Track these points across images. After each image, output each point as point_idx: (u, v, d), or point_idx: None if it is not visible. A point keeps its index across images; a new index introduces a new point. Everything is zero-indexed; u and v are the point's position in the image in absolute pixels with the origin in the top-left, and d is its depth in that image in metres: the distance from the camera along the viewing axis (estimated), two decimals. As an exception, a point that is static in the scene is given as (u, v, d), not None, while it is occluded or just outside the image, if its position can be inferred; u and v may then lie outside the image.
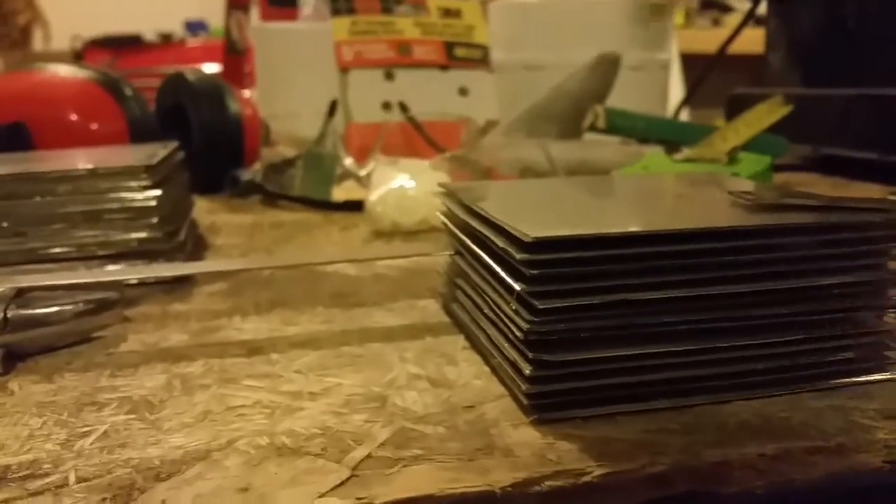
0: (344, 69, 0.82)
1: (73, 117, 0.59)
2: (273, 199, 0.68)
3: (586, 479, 0.22)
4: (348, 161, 0.65)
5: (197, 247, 0.51)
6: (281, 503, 0.21)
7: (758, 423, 0.25)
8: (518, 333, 0.26)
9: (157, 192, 0.42)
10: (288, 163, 0.73)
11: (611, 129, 0.75)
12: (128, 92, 0.62)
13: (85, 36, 2.54)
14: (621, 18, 0.96)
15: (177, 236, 0.43)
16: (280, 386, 0.29)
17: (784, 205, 0.29)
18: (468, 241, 0.32)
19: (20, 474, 0.23)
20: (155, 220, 0.42)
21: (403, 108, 0.79)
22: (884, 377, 0.28)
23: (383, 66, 0.83)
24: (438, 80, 0.85)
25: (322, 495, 0.21)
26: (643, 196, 0.35)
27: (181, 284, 0.42)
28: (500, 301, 0.28)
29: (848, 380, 0.28)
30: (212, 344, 0.33)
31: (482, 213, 0.29)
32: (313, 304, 0.38)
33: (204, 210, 0.64)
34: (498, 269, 0.27)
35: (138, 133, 0.61)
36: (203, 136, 0.68)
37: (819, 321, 0.27)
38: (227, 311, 0.38)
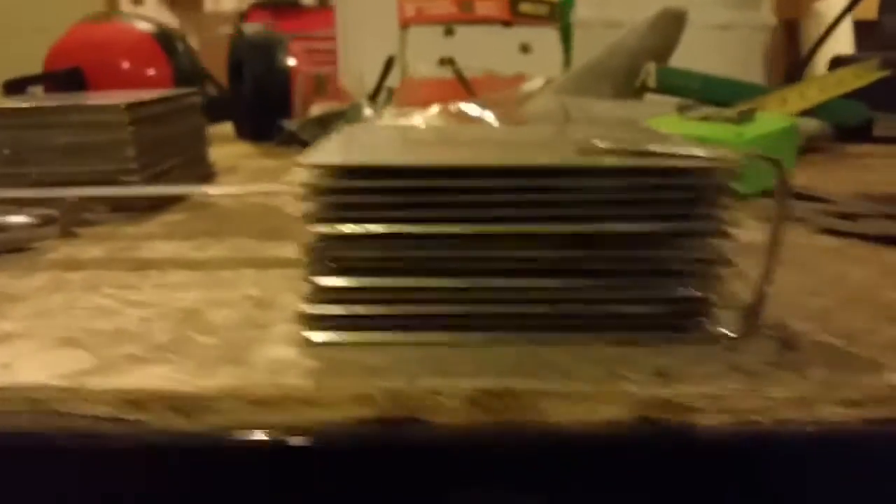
0: (404, 25, 0.83)
1: (125, 65, 0.65)
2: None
3: (292, 391, 0.23)
4: (367, 112, 0.66)
5: (199, 182, 0.55)
6: (21, 376, 0.24)
7: (509, 362, 0.24)
8: (303, 255, 0.26)
9: (133, 128, 0.46)
10: (335, 116, 0.76)
11: (662, 89, 0.71)
12: (179, 47, 0.68)
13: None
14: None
15: (151, 170, 0.47)
16: (129, 296, 0.31)
17: (610, 150, 0.27)
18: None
19: None
20: (131, 153, 0.46)
21: (452, 62, 0.79)
22: (680, 338, 0.26)
23: (444, 23, 0.83)
24: (500, 37, 0.84)
25: (53, 377, 0.24)
26: (496, 140, 0.33)
27: (147, 213, 0.46)
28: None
29: (646, 335, 0.26)
30: (115, 259, 0.37)
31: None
32: (240, 236, 0.41)
33: (240, 154, 0.69)
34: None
35: (183, 81, 0.66)
36: (252, 86, 0.73)
37: (612, 270, 0.26)
38: (159, 235, 0.41)
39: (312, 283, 0.26)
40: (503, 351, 0.25)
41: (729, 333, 0.26)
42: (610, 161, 0.25)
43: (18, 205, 0.40)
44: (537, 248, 0.25)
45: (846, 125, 0.72)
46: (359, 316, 0.26)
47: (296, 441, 0.23)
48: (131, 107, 0.46)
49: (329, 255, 0.26)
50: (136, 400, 0.23)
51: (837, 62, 0.86)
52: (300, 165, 0.25)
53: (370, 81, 0.84)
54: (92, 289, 0.32)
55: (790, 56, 1.01)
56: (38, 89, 0.67)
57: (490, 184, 0.25)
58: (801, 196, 0.50)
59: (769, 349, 0.26)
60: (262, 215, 0.46)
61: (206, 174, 0.58)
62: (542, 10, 0.85)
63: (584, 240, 0.26)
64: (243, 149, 0.72)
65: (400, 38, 0.82)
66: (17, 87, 0.67)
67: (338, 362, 0.24)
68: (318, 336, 0.26)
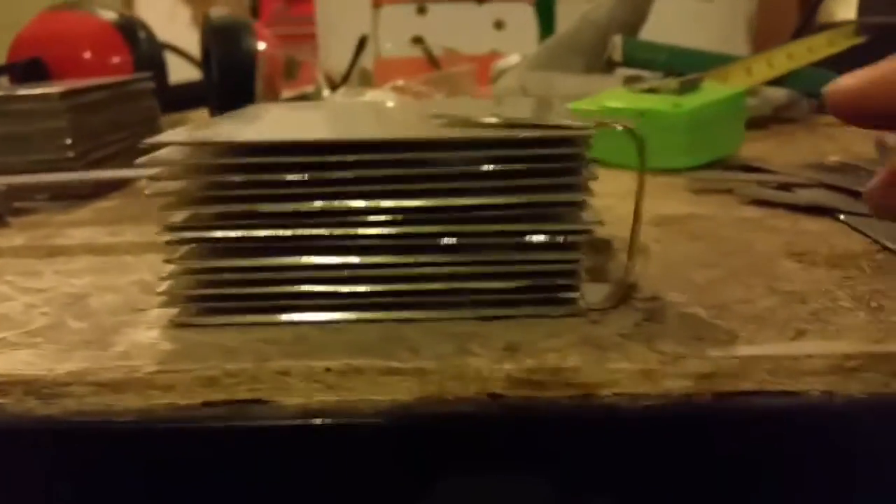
0: (377, 5, 0.83)
1: (87, 55, 0.65)
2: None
3: (138, 374, 0.23)
4: (325, 93, 0.66)
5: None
6: None
7: (367, 341, 0.24)
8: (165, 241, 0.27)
9: (70, 115, 0.47)
10: (301, 99, 0.76)
11: (629, 62, 0.70)
12: (141, 35, 0.68)
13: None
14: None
15: (90, 156, 0.48)
16: (26, 283, 0.32)
17: (472, 123, 0.27)
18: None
19: None
20: (67, 141, 0.47)
21: (421, 41, 0.78)
22: (545, 311, 0.26)
23: (416, 1, 0.83)
24: (473, 14, 0.83)
25: (-88, 365, 0.24)
26: (383, 113, 0.33)
27: (85, 200, 0.46)
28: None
29: (510, 310, 0.26)
30: (31, 247, 0.37)
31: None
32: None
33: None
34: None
35: (144, 68, 0.66)
36: (218, 70, 0.73)
37: (475, 245, 0.25)
38: (84, 222, 0.41)
39: (176, 264, 0.26)
40: (365, 330, 0.25)
41: (594, 307, 0.26)
42: (465, 134, 0.25)
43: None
44: (396, 224, 0.25)
45: (816, 95, 0.70)
46: (224, 296, 0.26)
47: (146, 424, 0.23)
48: (66, 94, 0.47)
49: (190, 235, 0.26)
50: (-7, 384, 0.23)
51: (823, 28, 0.84)
52: (146, 146, 0.25)
53: (345, 63, 0.84)
54: (-5, 276, 0.33)
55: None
56: (3, 80, 0.67)
57: (350, 159, 0.25)
58: (747, 168, 0.49)
59: (629, 321, 0.25)
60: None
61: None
62: (514, -16, 0.84)
63: (441, 215, 0.25)
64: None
65: (372, 18, 0.82)
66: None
67: (195, 344, 0.25)
68: (183, 318, 0.26)
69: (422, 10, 0.82)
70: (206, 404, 0.23)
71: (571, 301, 0.26)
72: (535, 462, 0.23)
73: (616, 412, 0.23)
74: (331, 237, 0.26)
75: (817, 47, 0.70)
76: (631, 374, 0.23)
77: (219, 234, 0.26)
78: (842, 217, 0.37)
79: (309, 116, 0.34)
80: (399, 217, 0.25)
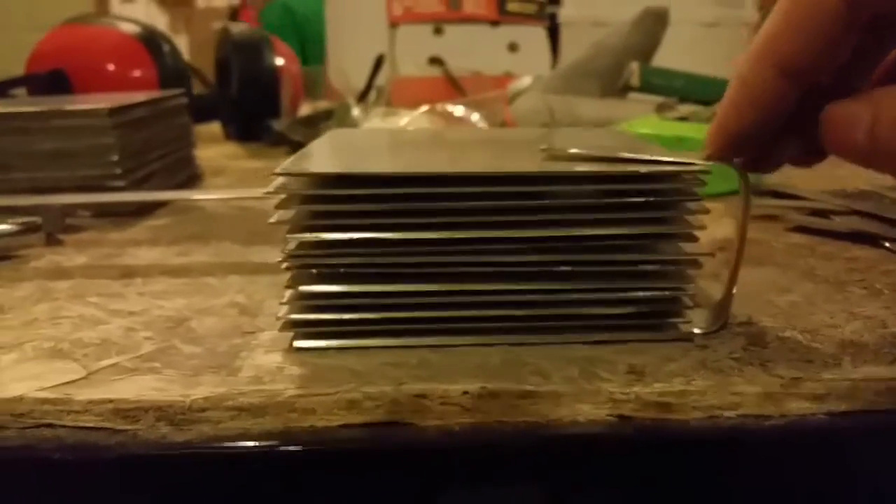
0: (393, 24, 0.84)
1: (110, 67, 0.65)
2: (298, 148, 0.72)
3: (279, 398, 0.24)
4: (355, 112, 0.67)
5: (184, 186, 0.56)
6: (5, 391, 0.24)
7: (493, 365, 0.25)
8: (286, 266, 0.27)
9: (118, 132, 0.47)
10: (324, 115, 0.76)
11: (646, 88, 0.72)
12: (165, 48, 0.68)
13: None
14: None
15: (135, 174, 0.48)
16: (112, 304, 0.32)
17: (581, 157, 0.27)
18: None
19: None
20: (114, 157, 0.47)
21: (440, 62, 0.79)
22: (654, 336, 0.27)
23: (432, 21, 0.84)
24: (488, 36, 0.84)
25: (42, 389, 0.24)
26: (478, 145, 0.34)
27: (132, 217, 0.46)
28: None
29: (620, 335, 0.27)
30: (100, 266, 0.37)
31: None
32: (223, 240, 0.41)
33: (227, 155, 0.69)
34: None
35: (169, 82, 0.66)
36: (239, 86, 0.73)
37: (587, 273, 0.26)
38: (144, 241, 0.41)
39: (295, 290, 0.27)
40: (485, 353, 0.26)
41: (699, 331, 0.27)
42: (582, 168, 0.26)
43: (1, 212, 0.40)
44: (515, 253, 0.26)
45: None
46: (342, 321, 0.27)
47: (285, 448, 0.23)
48: (114, 111, 0.47)
49: (311, 262, 0.26)
50: (126, 410, 0.23)
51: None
52: (278, 175, 0.26)
53: (359, 80, 0.85)
54: (77, 297, 0.33)
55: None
56: (21, 91, 0.67)
57: (469, 190, 0.26)
58: (777, 194, 0.51)
59: (736, 345, 0.26)
60: (246, 219, 0.46)
61: (192, 176, 0.59)
62: (530, 8, 0.85)
63: (558, 244, 0.26)
64: (230, 149, 0.72)
65: (389, 37, 0.83)
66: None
67: (323, 368, 0.25)
68: (302, 342, 0.27)
69: (438, 31, 0.83)
70: (344, 426, 0.24)
71: (679, 326, 0.27)
72: (663, 481, 0.24)
73: (740, 433, 0.24)
74: (448, 264, 0.26)
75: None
76: (753, 396, 0.24)
77: (344, 260, 0.26)
78: (887, 245, 0.39)
79: (409, 143, 0.35)
80: (520, 246, 0.26)
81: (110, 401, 0.24)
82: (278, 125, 0.73)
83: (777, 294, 0.32)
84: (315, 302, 0.27)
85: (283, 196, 0.26)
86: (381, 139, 0.38)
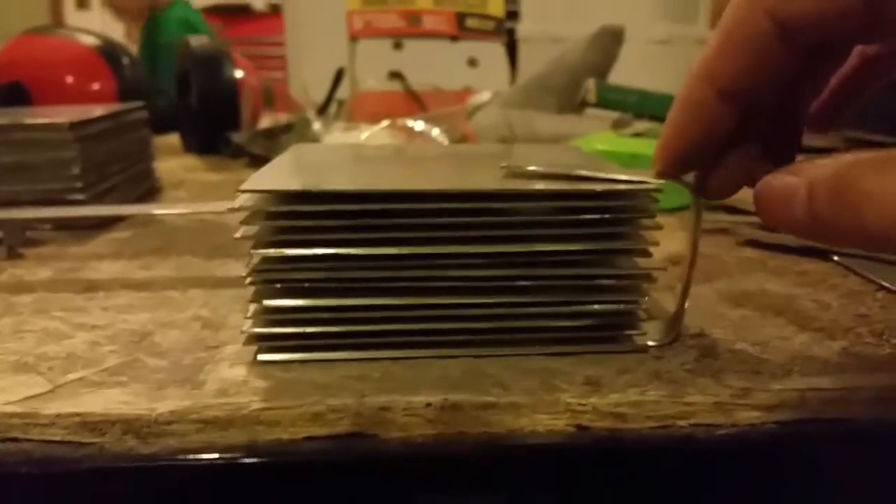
0: (353, 38, 0.84)
1: (69, 80, 0.65)
2: (258, 161, 0.72)
3: (244, 411, 0.24)
4: (316, 126, 0.67)
5: (144, 199, 0.55)
6: (-29, 407, 0.24)
7: (454, 376, 0.26)
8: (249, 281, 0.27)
9: (79, 145, 0.46)
10: (284, 128, 0.76)
11: (602, 104, 0.74)
12: (124, 60, 0.68)
13: (197, 5, 2.70)
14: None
15: (97, 187, 0.48)
16: (76, 318, 0.32)
17: (539, 174, 0.28)
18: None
19: None
20: (76, 171, 0.46)
21: (400, 77, 0.80)
22: (610, 348, 0.28)
23: (392, 36, 0.85)
24: (448, 51, 0.86)
25: (9, 403, 0.24)
26: (439, 161, 0.35)
27: (92, 230, 0.46)
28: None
29: (577, 347, 0.28)
30: (61, 280, 0.37)
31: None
32: (185, 255, 0.41)
33: (186, 168, 0.69)
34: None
35: (128, 94, 0.66)
36: (198, 98, 0.73)
37: (545, 287, 0.27)
38: (105, 255, 0.41)
39: (259, 304, 0.27)
40: (446, 365, 0.27)
41: (653, 343, 0.28)
42: (541, 186, 0.27)
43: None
44: (475, 267, 0.27)
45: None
46: (306, 335, 0.27)
47: (250, 460, 0.24)
48: (75, 125, 0.46)
49: (275, 276, 0.27)
50: (93, 423, 0.24)
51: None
52: (242, 191, 0.26)
53: (318, 92, 0.86)
54: (41, 312, 0.33)
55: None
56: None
57: (430, 207, 0.26)
58: (729, 209, 0.53)
59: (689, 357, 0.28)
60: (207, 232, 0.46)
61: (152, 188, 0.58)
62: (489, 25, 0.87)
63: (517, 259, 0.27)
64: (190, 161, 0.72)
65: (349, 51, 0.83)
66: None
67: (287, 381, 0.26)
68: (266, 356, 0.27)
69: (398, 45, 0.84)
70: (309, 439, 0.24)
71: (634, 338, 0.28)
72: (619, 488, 0.25)
73: (692, 442, 0.25)
74: (410, 279, 0.27)
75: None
76: (705, 406, 0.25)
77: (308, 275, 0.27)
78: (836, 258, 0.41)
79: (371, 159, 0.36)
80: (480, 261, 0.27)
81: (77, 414, 0.24)
82: (238, 137, 0.73)
83: (728, 307, 0.33)
84: (279, 316, 0.27)
85: (246, 212, 0.27)
86: (343, 154, 0.38)
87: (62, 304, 0.34)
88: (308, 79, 0.93)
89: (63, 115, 0.49)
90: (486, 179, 0.29)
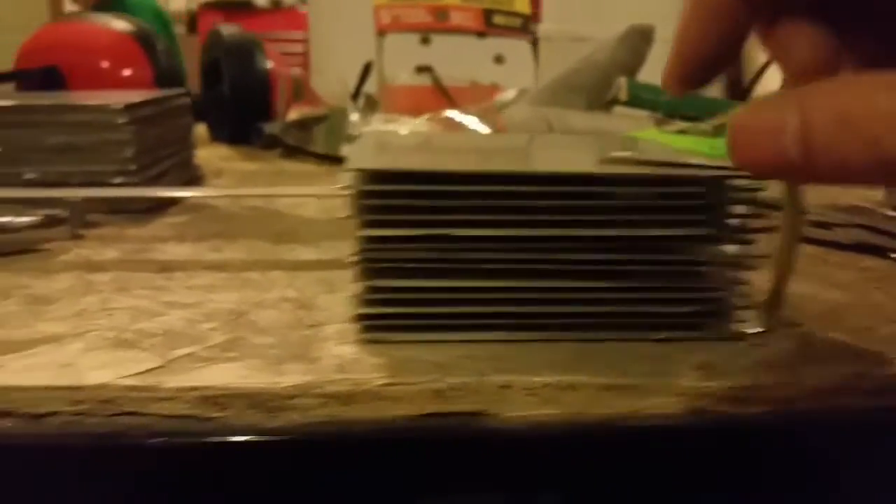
0: (381, 33, 0.84)
1: (104, 65, 0.64)
2: (292, 152, 0.71)
3: (366, 386, 0.24)
4: (354, 117, 0.67)
5: (190, 185, 0.55)
6: (89, 379, 0.24)
7: (565, 359, 0.26)
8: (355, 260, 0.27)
9: (133, 128, 0.46)
10: (317, 119, 0.76)
11: (633, 102, 0.74)
12: (159, 46, 0.67)
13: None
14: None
15: (148, 171, 0.47)
16: (162, 297, 0.31)
17: (636, 160, 0.29)
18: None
19: None
20: (129, 154, 0.46)
21: (429, 70, 0.80)
22: (710, 335, 0.28)
23: (419, 31, 0.85)
24: (474, 47, 0.86)
25: (124, 376, 0.24)
26: (515, 149, 0.35)
27: (146, 214, 0.46)
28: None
29: (681, 333, 0.28)
30: (134, 261, 0.37)
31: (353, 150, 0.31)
32: (251, 238, 0.41)
33: (221, 157, 0.68)
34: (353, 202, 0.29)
35: (164, 81, 0.65)
36: (231, 88, 0.72)
37: (649, 272, 0.27)
38: (169, 238, 0.41)
39: (366, 283, 0.27)
40: (553, 349, 0.27)
41: (754, 330, 0.28)
42: (643, 171, 0.27)
43: (18, 205, 0.39)
44: (579, 251, 0.27)
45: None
46: (412, 315, 0.27)
47: (372, 435, 0.24)
48: (130, 107, 0.46)
49: (382, 256, 0.27)
50: (214, 398, 0.23)
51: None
52: (352, 170, 0.26)
53: (343, 86, 0.85)
54: (122, 290, 0.32)
55: (732, 73, 1.05)
56: (8, 87, 0.65)
57: (536, 189, 0.27)
58: (777, 207, 0.53)
59: (791, 344, 0.28)
60: (264, 219, 0.46)
61: (194, 177, 0.58)
62: (515, 21, 0.87)
63: (619, 244, 0.27)
64: (221, 151, 0.71)
65: (377, 46, 0.83)
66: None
67: (402, 359, 0.26)
68: (373, 335, 0.27)
69: (425, 41, 0.84)
70: (430, 415, 0.24)
71: (734, 326, 0.28)
72: (735, 470, 0.25)
73: (807, 425, 0.25)
74: (516, 261, 0.27)
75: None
76: (819, 390, 0.25)
77: (413, 255, 0.27)
78: (893, 255, 0.41)
79: (453, 145, 0.36)
80: (583, 245, 0.27)
81: (195, 388, 0.23)
82: (271, 128, 0.73)
83: (806, 299, 0.33)
84: (386, 296, 0.27)
85: (355, 193, 0.27)
86: (418, 141, 0.38)
87: (142, 283, 0.33)
88: (333, 72, 0.93)
89: (108, 98, 0.49)
90: (585, 164, 0.29)
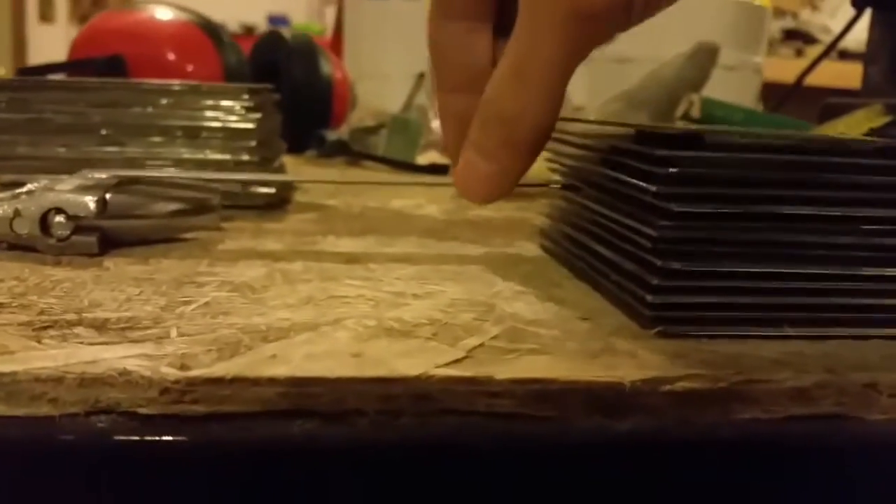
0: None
1: (171, 56, 0.59)
2: (358, 160, 0.68)
3: (723, 384, 0.20)
4: (435, 124, 0.64)
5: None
6: (399, 370, 0.20)
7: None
8: (645, 242, 0.24)
9: (258, 114, 0.42)
10: (373, 129, 0.72)
11: (706, 119, 0.73)
12: (225, 38, 0.63)
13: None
14: (717, 16, 0.94)
15: (272, 163, 0.43)
16: (382, 287, 0.27)
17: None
18: (587, 165, 0.30)
19: (119, 326, 0.22)
20: (253, 143, 0.42)
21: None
22: None
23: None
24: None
25: (439, 366, 0.20)
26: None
27: (273, 210, 0.41)
28: (621, 217, 0.26)
29: None
30: (308, 251, 0.32)
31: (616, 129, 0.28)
32: (405, 235, 0.37)
33: (289, 164, 0.64)
34: (628, 178, 0.25)
35: (232, 78, 0.61)
36: (293, 93, 0.68)
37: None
38: (320, 231, 0.37)
39: (667, 270, 0.23)
40: (866, 348, 0.24)
41: None
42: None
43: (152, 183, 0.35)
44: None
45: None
46: (711, 305, 0.24)
47: (722, 437, 0.20)
48: (254, 91, 0.42)
49: (690, 236, 0.23)
50: (549, 393, 0.20)
51: (829, 108, 0.91)
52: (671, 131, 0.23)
53: (387, 98, 0.82)
54: (330, 279, 0.28)
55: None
56: (61, 77, 0.60)
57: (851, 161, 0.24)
58: None
59: None
60: (393, 218, 0.42)
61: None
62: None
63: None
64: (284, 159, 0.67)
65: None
66: (35, 75, 0.60)
67: (731, 356, 0.22)
68: (676, 328, 0.23)
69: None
70: (790, 418, 0.21)
71: None
72: None
73: None
74: (830, 246, 0.24)
75: (861, 122, 0.76)
76: None
77: (736, 236, 0.23)
78: None
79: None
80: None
81: (535, 381, 0.20)
82: (334, 135, 0.69)
83: None
84: (686, 282, 0.24)
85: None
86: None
87: (342, 273, 0.29)
88: (375, 82, 0.90)
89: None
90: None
